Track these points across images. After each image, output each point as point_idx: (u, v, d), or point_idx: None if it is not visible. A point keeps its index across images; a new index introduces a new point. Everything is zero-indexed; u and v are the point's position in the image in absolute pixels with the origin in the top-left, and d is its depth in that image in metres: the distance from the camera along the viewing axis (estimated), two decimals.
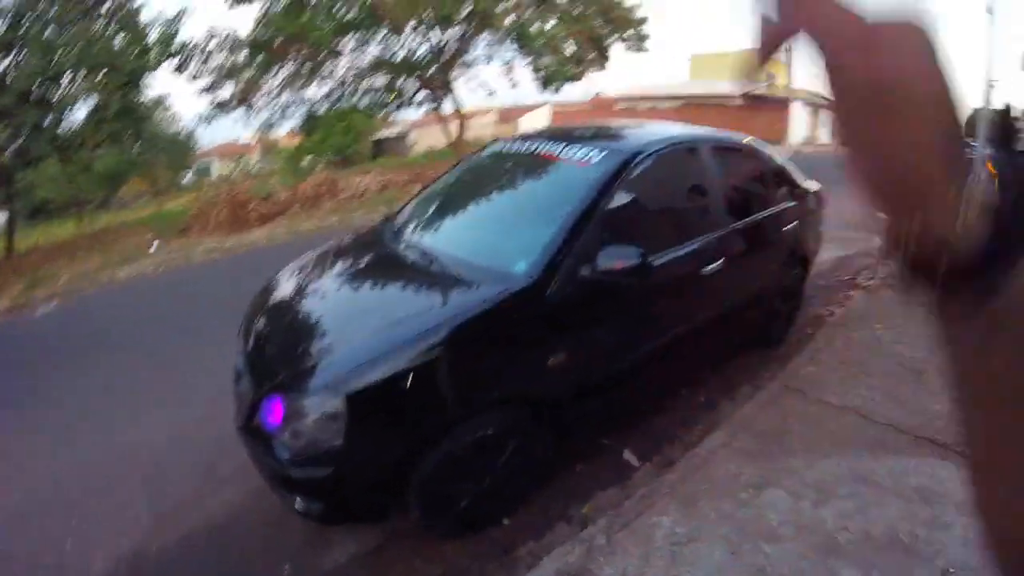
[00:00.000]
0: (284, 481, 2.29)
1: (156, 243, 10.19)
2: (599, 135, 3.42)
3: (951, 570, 2.29)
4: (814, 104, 37.29)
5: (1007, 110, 5.86)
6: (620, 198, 2.76)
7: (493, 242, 2.92)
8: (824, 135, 38.14)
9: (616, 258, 2.42)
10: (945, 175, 0.36)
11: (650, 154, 3.01)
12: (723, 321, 3.60)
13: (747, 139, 4.19)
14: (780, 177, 4.28)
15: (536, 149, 3.31)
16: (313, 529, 2.74)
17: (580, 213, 2.61)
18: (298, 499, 2.30)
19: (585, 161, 2.94)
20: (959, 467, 2.87)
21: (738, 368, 4.19)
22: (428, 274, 2.71)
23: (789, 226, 4.13)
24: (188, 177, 27.90)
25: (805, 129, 35.76)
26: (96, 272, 8.78)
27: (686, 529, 2.49)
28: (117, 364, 4.93)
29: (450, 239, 3.09)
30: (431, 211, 3.48)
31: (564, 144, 3.20)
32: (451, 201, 3.53)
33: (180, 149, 25.55)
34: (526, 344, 2.45)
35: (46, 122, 9.96)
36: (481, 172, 3.67)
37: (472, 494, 2.47)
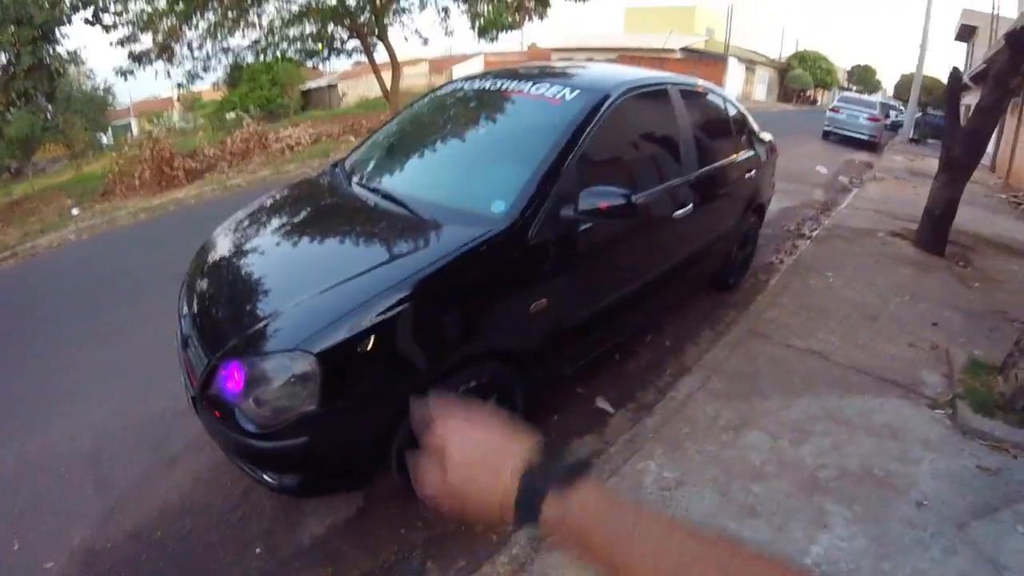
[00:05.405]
0: (251, 455, 2.05)
1: (76, 209, 9.44)
2: (564, 74, 3.23)
3: (925, 502, 2.38)
4: (749, 61, 38.02)
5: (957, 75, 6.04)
6: (596, 137, 2.61)
7: (465, 183, 2.71)
8: (759, 92, 39.08)
9: (599, 198, 2.30)
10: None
11: (623, 93, 2.87)
12: (688, 264, 3.58)
13: (711, 84, 4.12)
14: (741, 125, 4.27)
15: (501, 87, 3.09)
16: (283, 501, 2.54)
17: (559, 151, 2.45)
18: (268, 473, 2.08)
19: (558, 99, 2.76)
20: (919, 406, 2.99)
21: (697, 313, 4.23)
22: (394, 219, 2.48)
23: (750, 173, 4.15)
24: (107, 138, 25.95)
25: (740, 85, 36.41)
26: (15, 244, 8.04)
27: (674, 473, 2.47)
28: (44, 341, 4.48)
29: (415, 181, 2.86)
30: (389, 153, 3.24)
31: (530, 82, 3.01)
32: (411, 142, 3.27)
33: (97, 107, 23.61)
34: (508, 289, 2.30)
35: None
36: (442, 111, 3.42)
37: None
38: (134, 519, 2.56)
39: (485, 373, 2.30)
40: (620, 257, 2.88)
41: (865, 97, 20.56)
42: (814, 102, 42.88)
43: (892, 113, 22.73)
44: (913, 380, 3.29)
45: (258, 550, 2.34)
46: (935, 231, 5.88)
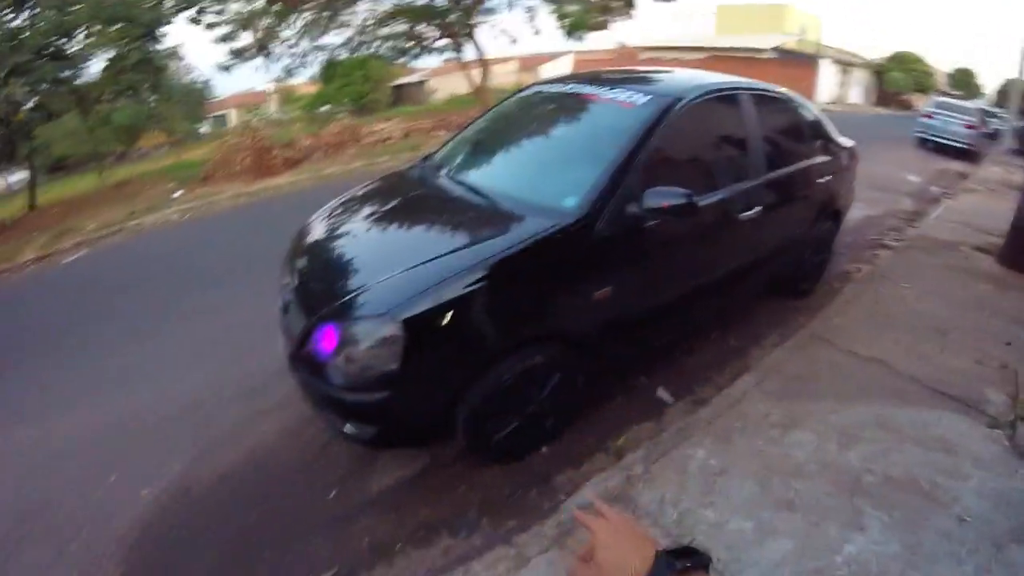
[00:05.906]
0: (337, 406, 2.36)
1: (179, 192, 10.20)
2: (640, 79, 3.41)
3: (967, 519, 2.36)
4: (844, 63, 36.32)
5: None
6: (664, 140, 2.78)
7: (541, 178, 2.94)
8: (854, 95, 37.26)
9: (662, 197, 2.48)
10: None
11: (693, 99, 3.01)
12: (756, 267, 3.66)
13: (786, 91, 4.16)
14: (817, 130, 4.28)
15: (578, 91, 3.31)
16: (357, 457, 2.85)
17: (628, 152, 2.64)
18: (349, 424, 2.37)
19: (630, 103, 2.95)
20: (977, 424, 2.94)
21: (766, 316, 4.26)
22: (476, 209, 2.75)
23: (824, 179, 4.15)
24: (205, 127, 27.74)
25: (834, 87, 34.82)
26: (122, 221, 8.80)
27: (719, 462, 2.59)
28: (152, 311, 4.99)
29: (496, 176, 3.11)
30: (474, 149, 3.51)
31: (606, 87, 3.22)
32: (494, 140, 3.54)
33: (197, 99, 25.31)
34: (574, 276, 2.50)
35: (64, 75, 9.89)
36: (523, 112, 3.66)
37: (515, 422, 2.56)
38: (223, 462, 2.93)
39: (550, 353, 2.52)
40: (684, 255, 3.02)
41: (961, 103, 19.25)
42: (910, 107, 40.55)
43: (993, 120, 21.19)
44: (975, 397, 3.22)
45: (333, 492, 2.65)
46: (1022, 247, 5.61)
